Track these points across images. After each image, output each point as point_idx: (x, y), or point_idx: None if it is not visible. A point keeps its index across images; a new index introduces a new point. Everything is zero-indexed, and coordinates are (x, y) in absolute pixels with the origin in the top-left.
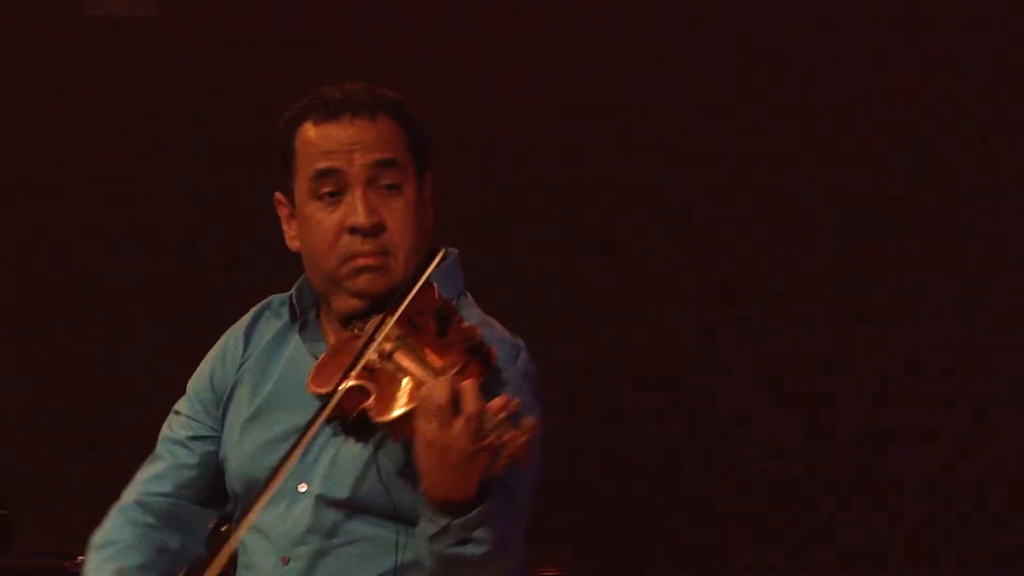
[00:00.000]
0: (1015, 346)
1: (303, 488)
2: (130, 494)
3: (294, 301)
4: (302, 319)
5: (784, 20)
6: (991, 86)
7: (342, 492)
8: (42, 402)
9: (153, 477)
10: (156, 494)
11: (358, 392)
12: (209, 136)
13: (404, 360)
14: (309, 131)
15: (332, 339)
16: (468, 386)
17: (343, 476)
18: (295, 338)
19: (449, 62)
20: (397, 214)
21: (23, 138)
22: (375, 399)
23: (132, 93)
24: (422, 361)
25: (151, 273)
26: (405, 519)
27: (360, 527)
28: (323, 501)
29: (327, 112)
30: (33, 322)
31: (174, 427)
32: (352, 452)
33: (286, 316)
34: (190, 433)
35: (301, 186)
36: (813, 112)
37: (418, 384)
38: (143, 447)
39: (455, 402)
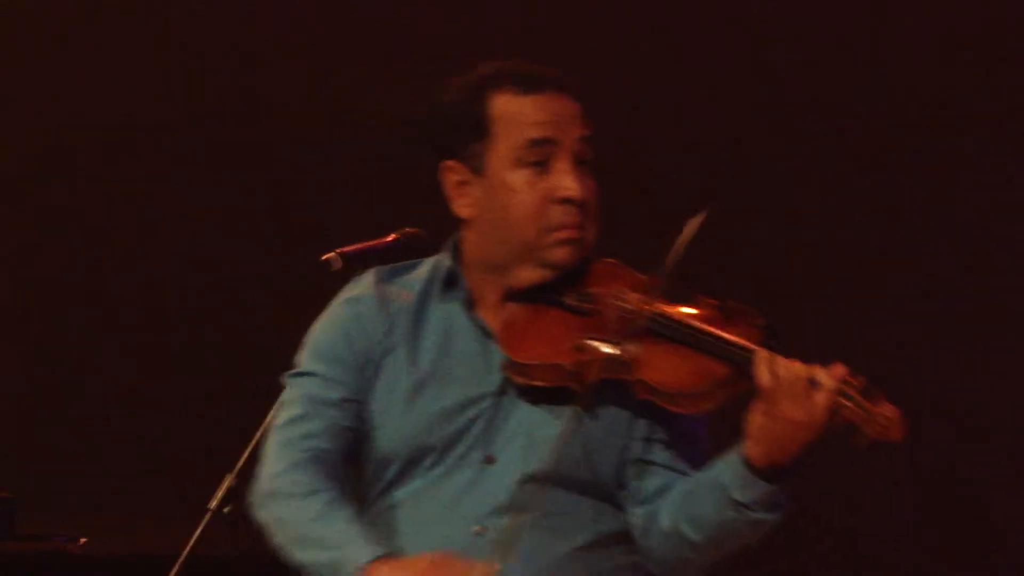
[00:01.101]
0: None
1: (493, 459)
2: (296, 449)
3: (458, 272)
4: (464, 292)
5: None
6: (992, 85)
7: (545, 465)
8: (44, 388)
9: (312, 434)
10: (323, 450)
11: (610, 363)
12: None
13: (688, 333)
14: (515, 100)
15: (487, 313)
16: (834, 370)
17: (544, 448)
18: (445, 309)
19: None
20: (591, 191)
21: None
22: (650, 371)
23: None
24: (716, 334)
25: (149, 267)
26: (601, 493)
27: (557, 500)
28: (524, 473)
29: (531, 84)
30: (34, 312)
31: (312, 388)
32: (551, 424)
33: (414, 286)
34: (340, 395)
35: (502, 153)
36: (811, 110)
37: (715, 358)
38: (143, 432)
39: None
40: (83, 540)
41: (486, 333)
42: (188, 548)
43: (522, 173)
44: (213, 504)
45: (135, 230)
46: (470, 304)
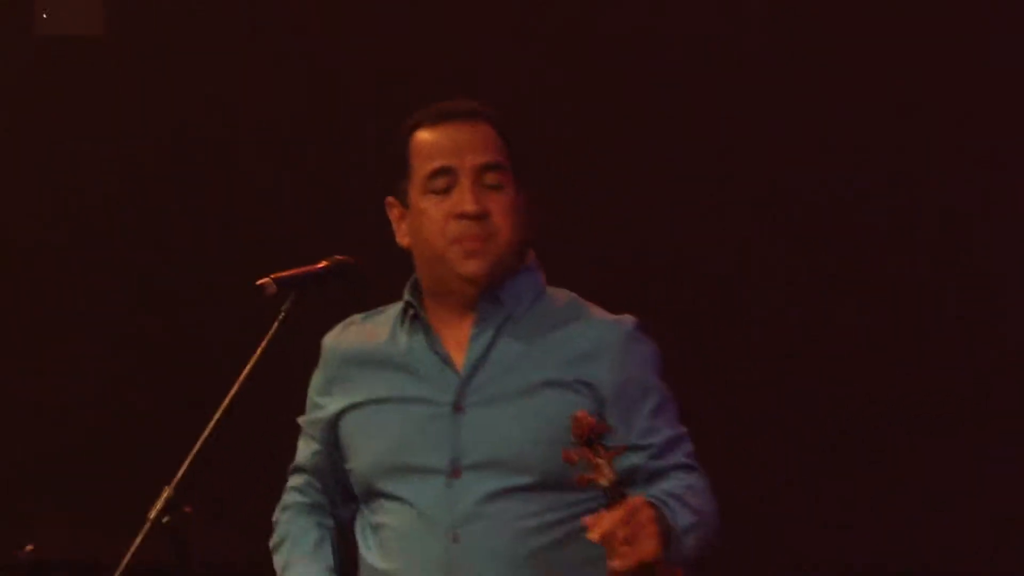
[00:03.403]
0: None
1: (459, 472)
2: (285, 500)
3: (413, 305)
4: (421, 323)
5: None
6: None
7: (509, 477)
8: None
9: (296, 487)
10: (305, 502)
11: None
12: (155, 153)
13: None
14: (423, 135)
15: (447, 332)
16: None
17: (507, 460)
18: (411, 340)
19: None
20: (500, 205)
21: None
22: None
23: (80, 112)
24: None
25: (99, 285)
26: (559, 492)
27: (522, 504)
28: (490, 483)
29: (438, 118)
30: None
31: (300, 443)
32: (508, 436)
33: (380, 326)
34: (315, 449)
35: (416, 185)
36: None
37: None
38: (91, 443)
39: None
40: (30, 547)
41: (443, 358)
42: (129, 555)
43: (431, 199)
44: (152, 514)
45: (76, 249)
46: (428, 330)
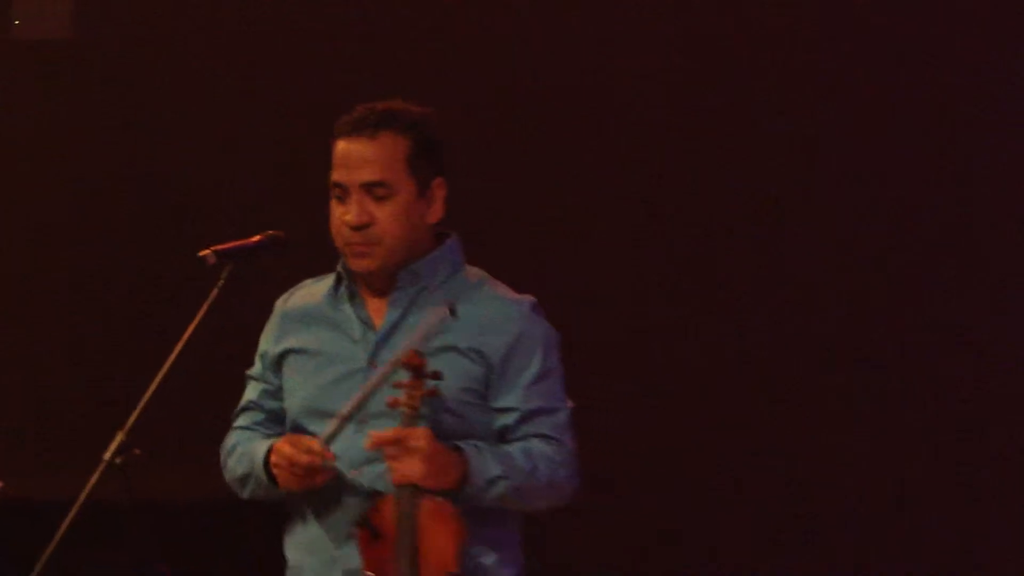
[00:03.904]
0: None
1: (370, 419)
2: (234, 435)
3: (343, 276)
4: (349, 290)
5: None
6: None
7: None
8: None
9: (245, 426)
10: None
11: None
12: (124, 152)
13: None
14: (337, 145)
15: (371, 303)
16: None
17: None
18: (344, 306)
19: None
20: (386, 213)
21: None
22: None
23: (49, 111)
24: None
25: (71, 242)
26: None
27: None
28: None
29: (347, 130)
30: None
31: (248, 390)
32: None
33: (323, 290)
34: (259, 394)
35: (330, 186)
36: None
37: None
38: (52, 392)
39: None
40: (0, 484)
41: (365, 321)
42: (85, 492)
43: (334, 202)
44: (107, 455)
45: (46, 237)
46: (355, 297)
